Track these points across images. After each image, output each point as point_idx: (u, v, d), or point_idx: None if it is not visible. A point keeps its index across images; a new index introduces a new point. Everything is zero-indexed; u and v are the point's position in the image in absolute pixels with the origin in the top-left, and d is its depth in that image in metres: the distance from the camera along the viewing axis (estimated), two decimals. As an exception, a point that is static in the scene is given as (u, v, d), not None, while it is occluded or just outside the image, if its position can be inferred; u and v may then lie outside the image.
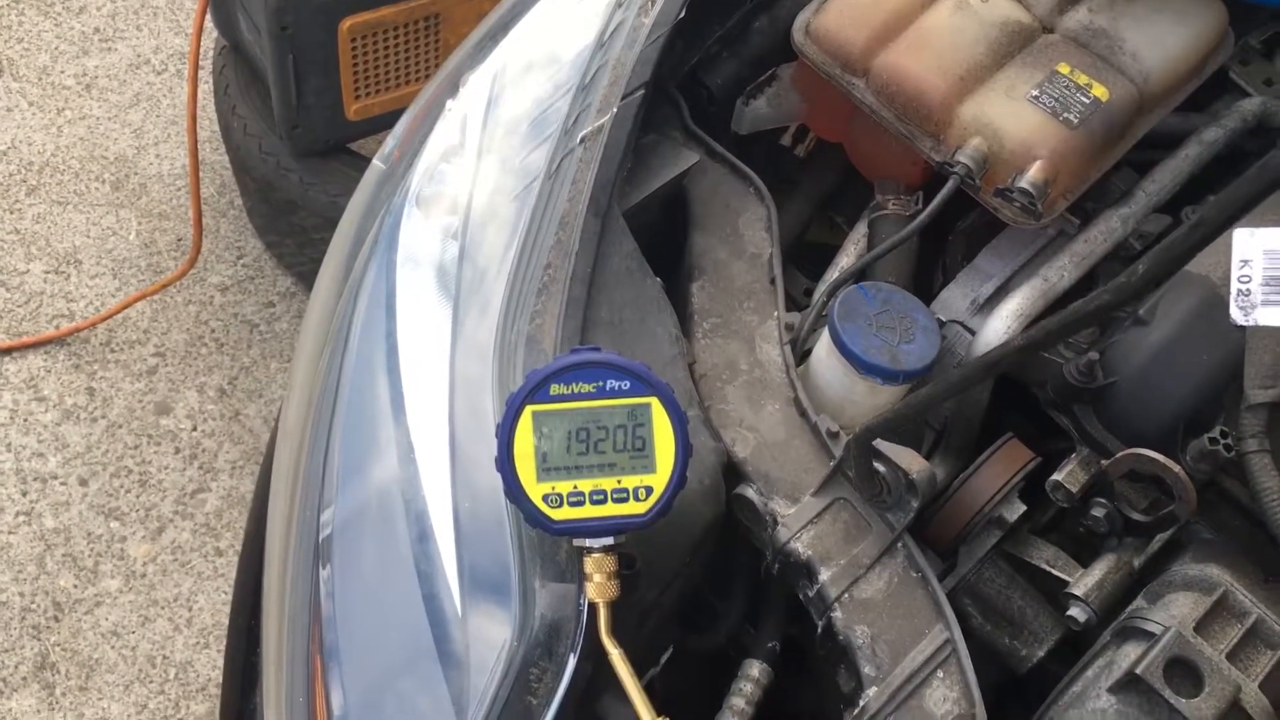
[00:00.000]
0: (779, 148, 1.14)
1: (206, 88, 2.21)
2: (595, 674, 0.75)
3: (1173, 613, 0.79)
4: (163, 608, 1.91)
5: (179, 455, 2.05)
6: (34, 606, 1.88)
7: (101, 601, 1.90)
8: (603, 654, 0.72)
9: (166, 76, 2.51)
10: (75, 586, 1.91)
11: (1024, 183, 0.91)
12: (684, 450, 0.72)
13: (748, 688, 0.84)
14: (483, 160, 0.94)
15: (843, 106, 1.02)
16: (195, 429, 2.08)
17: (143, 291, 2.16)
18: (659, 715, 0.71)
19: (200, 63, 1.92)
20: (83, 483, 2.00)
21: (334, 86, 1.82)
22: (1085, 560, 0.88)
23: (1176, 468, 0.83)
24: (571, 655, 0.74)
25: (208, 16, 1.90)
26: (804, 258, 1.09)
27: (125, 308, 2.15)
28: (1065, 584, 0.86)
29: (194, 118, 1.93)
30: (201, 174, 2.05)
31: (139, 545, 1.96)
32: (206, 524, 1.99)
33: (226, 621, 1.86)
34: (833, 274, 1.01)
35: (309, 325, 0.96)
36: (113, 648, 1.86)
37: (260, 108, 1.94)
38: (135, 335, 2.17)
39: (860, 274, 0.97)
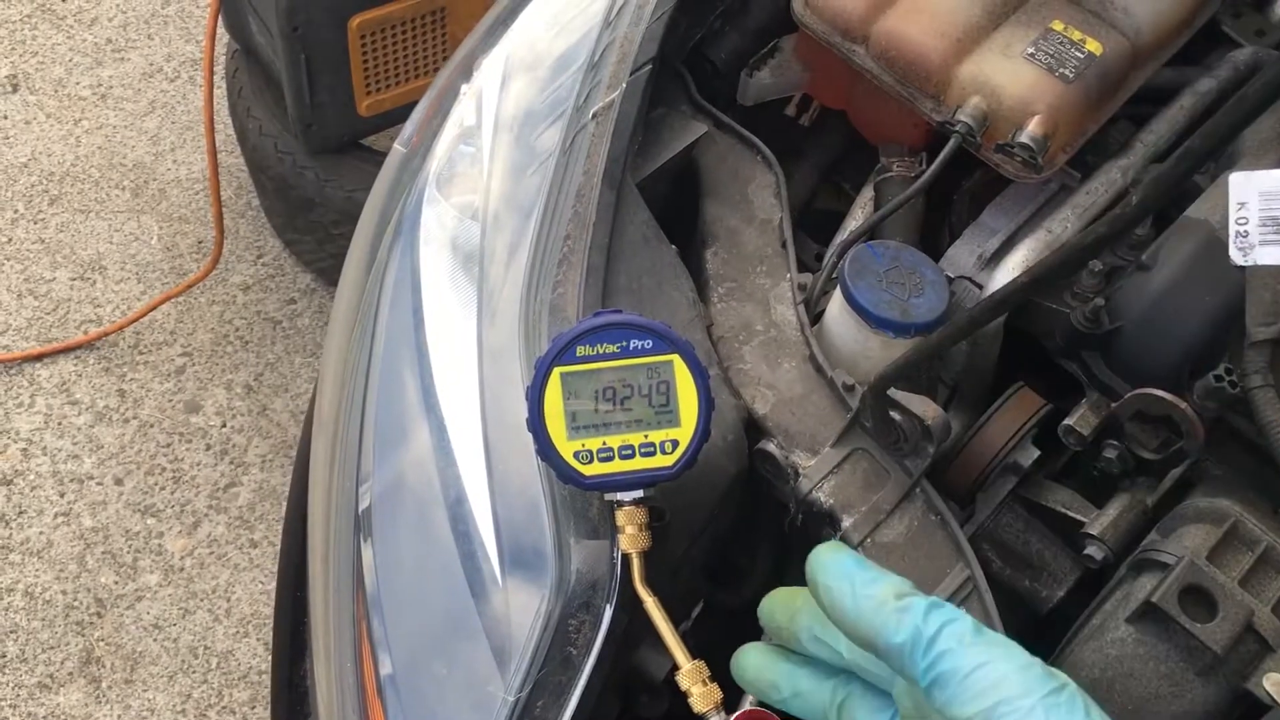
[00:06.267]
0: (784, 118, 1.16)
1: (220, 92, 2.24)
2: (631, 626, 0.78)
3: (1185, 544, 0.80)
4: (202, 600, 1.95)
5: (210, 451, 2.09)
6: (77, 603, 1.92)
7: (142, 596, 1.94)
8: (637, 604, 0.74)
9: (180, 83, 2.55)
10: (116, 583, 1.95)
11: (1024, 137, 0.92)
12: (707, 404, 0.75)
13: (776, 637, 0.87)
14: (498, 140, 0.97)
15: (844, 73, 1.04)
16: (225, 425, 2.12)
17: (167, 294, 2.20)
18: (693, 659, 0.73)
19: (213, 67, 1.96)
20: (118, 482, 2.04)
21: (345, 84, 1.85)
22: (1100, 501, 0.89)
23: (1183, 405, 0.84)
24: (608, 606, 0.77)
25: (219, 21, 1.94)
26: (812, 224, 1.11)
27: (151, 310, 2.19)
28: (1081, 525, 0.88)
29: (211, 121, 1.96)
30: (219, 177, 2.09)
31: (176, 540, 2.00)
32: (240, 517, 2.02)
33: (265, 610, 1.91)
34: (842, 236, 1.04)
35: (339, 309, 0.98)
36: (155, 640, 1.91)
37: (274, 108, 1.98)
38: (162, 337, 2.21)
39: (869, 234, 0.99)
